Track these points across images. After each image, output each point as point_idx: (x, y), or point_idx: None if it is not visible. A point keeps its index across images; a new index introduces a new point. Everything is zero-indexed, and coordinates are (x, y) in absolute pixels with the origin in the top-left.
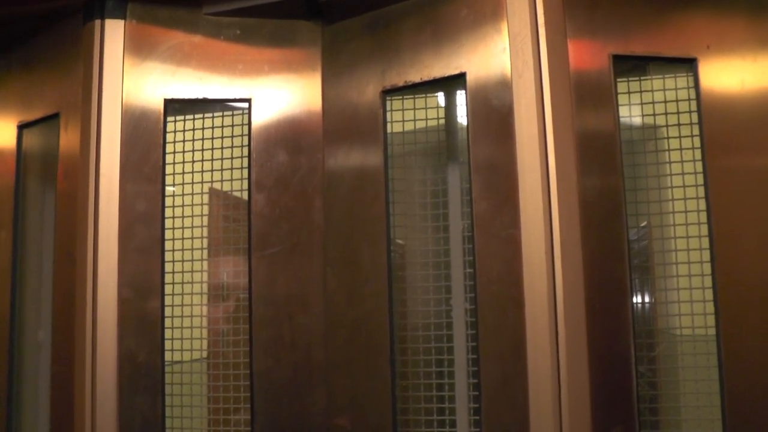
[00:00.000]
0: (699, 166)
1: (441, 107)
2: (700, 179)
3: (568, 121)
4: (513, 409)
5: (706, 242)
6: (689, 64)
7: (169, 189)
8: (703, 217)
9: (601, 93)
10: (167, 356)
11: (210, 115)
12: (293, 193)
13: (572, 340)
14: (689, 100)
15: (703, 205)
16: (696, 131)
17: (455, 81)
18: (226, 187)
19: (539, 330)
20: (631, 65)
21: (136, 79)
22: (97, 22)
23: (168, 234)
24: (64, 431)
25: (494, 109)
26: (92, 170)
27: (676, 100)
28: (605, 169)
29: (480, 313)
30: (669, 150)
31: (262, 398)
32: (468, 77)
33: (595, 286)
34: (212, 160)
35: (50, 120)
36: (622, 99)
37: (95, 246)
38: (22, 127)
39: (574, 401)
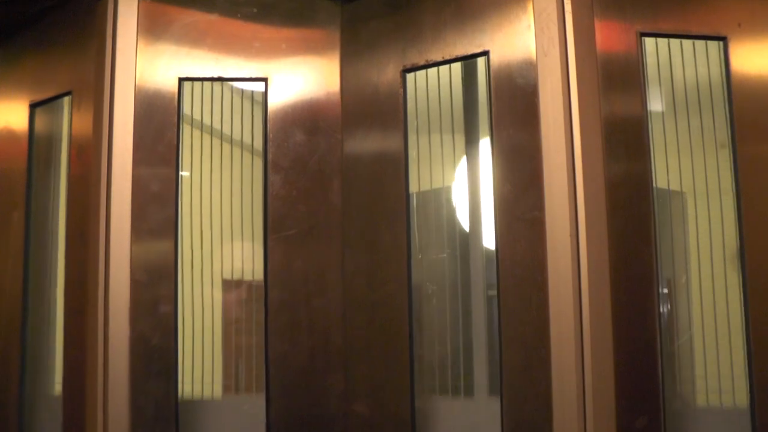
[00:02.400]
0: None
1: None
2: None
3: (595, 101)
4: (535, 396)
5: (733, 227)
6: (719, 43)
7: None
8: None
9: (628, 72)
10: (180, 340)
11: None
12: (311, 174)
13: (597, 325)
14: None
15: (731, 188)
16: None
17: (478, 59)
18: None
19: (563, 315)
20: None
21: (150, 57)
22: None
23: (183, 215)
24: (76, 414)
25: (518, 89)
26: (105, 149)
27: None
28: (632, 149)
29: (502, 297)
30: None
31: (278, 383)
32: (491, 55)
33: (621, 270)
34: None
35: (62, 98)
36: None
37: (107, 227)
38: (34, 106)
39: (599, 389)
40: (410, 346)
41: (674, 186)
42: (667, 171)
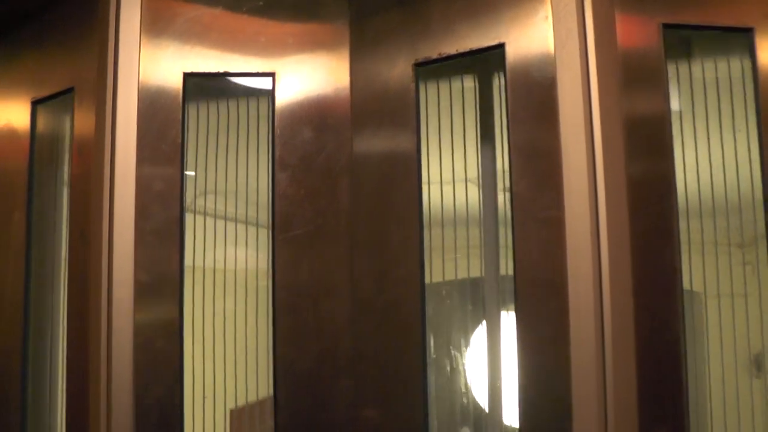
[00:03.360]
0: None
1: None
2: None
3: (616, 95)
4: (554, 403)
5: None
6: (745, 34)
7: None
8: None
9: (650, 65)
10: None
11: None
12: (318, 172)
13: (618, 330)
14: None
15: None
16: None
17: (493, 53)
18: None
19: (583, 318)
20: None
21: (153, 52)
22: None
23: (188, 216)
24: (78, 416)
25: (535, 82)
26: (107, 147)
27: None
28: (654, 145)
29: (518, 300)
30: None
31: (285, 389)
32: (507, 48)
33: (643, 272)
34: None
35: (64, 95)
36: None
37: (110, 227)
38: (35, 103)
39: (620, 396)
40: (423, 350)
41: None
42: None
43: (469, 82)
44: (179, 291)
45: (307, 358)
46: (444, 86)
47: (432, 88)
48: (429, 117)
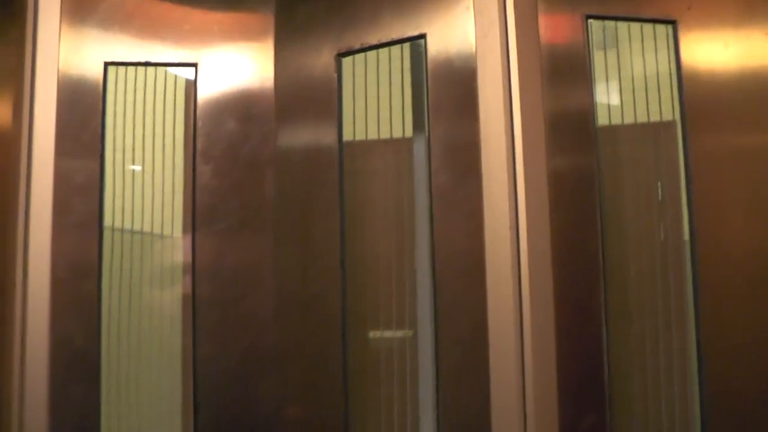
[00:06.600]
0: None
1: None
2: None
3: (537, 85)
4: (473, 395)
5: (686, 220)
6: (669, 26)
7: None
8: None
9: (575, 56)
10: (104, 342)
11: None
12: (242, 163)
13: (539, 321)
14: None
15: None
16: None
17: (415, 43)
18: (169, 158)
19: (502, 311)
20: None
21: (73, 40)
22: None
23: (107, 209)
24: None
25: (456, 73)
26: (25, 137)
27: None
28: (577, 135)
29: (438, 292)
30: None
31: (206, 387)
32: (428, 38)
33: (564, 264)
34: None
35: None
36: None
37: (26, 221)
38: None
39: (540, 388)
40: (343, 346)
41: None
42: None
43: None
44: (98, 286)
45: (230, 356)
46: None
47: (360, 78)
48: (356, 107)
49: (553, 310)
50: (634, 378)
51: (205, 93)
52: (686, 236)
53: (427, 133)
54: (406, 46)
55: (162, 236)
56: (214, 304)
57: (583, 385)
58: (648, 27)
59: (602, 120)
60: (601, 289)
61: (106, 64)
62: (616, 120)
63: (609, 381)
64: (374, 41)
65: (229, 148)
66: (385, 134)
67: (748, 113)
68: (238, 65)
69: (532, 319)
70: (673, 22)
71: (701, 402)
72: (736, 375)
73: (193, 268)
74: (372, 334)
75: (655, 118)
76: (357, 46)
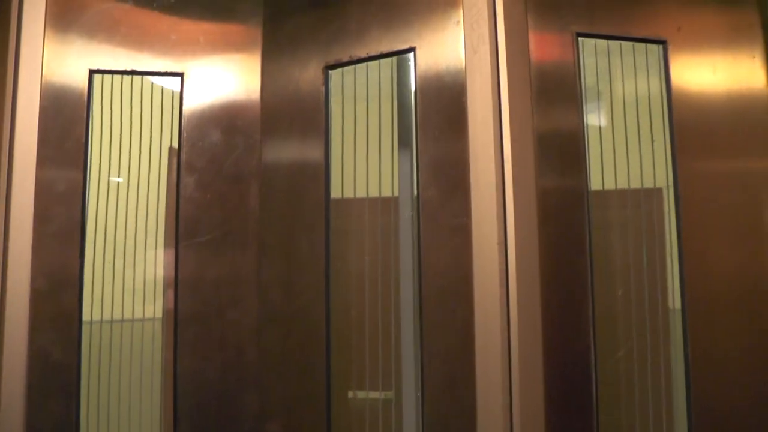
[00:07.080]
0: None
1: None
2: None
3: (527, 102)
4: (459, 414)
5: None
6: (659, 46)
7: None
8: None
9: (564, 73)
10: (84, 355)
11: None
12: (227, 176)
13: (526, 339)
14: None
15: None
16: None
17: (404, 56)
18: (154, 168)
19: (489, 328)
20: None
21: (58, 47)
22: None
23: (90, 219)
24: None
25: (446, 87)
26: (5, 144)
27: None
28: (566, 152)
29: (424, 309)
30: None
31: (186, 402)
32: (418, 52)
33: (552, 281)
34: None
35: None
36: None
37: (6, 230)
38: None
39: (527, 406)
40: (327, 361)
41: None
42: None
43: (388, 86)
44: (79, 298)
45: (211, 370)
46: (362, 90)
47: (349, 92)
48: (346, 121)
49: (541, 327)
50: (622, 394)
51: (191, 104)
52: (674, 254)
53: (414, 148)
54: (395, 60)
55: (145, 248)
56: (195, 317)
57: (571, 403)
58: (639, 47)
59: (592, 138)
60: (590, 306)
61: (91, 72)
62: (606, 138)
63: (597, 400)
64: (363, 54)
65: (214, 160)
66: (373, 149)
67: (734, 134)
68: (224, 76)
69: (519, 336)
70: (663, 42)
71: (689, 417)
72: (723, 388)
73: (176, 281)
74: (356, 349)
75: (644, 137)
76: (345, 58)
